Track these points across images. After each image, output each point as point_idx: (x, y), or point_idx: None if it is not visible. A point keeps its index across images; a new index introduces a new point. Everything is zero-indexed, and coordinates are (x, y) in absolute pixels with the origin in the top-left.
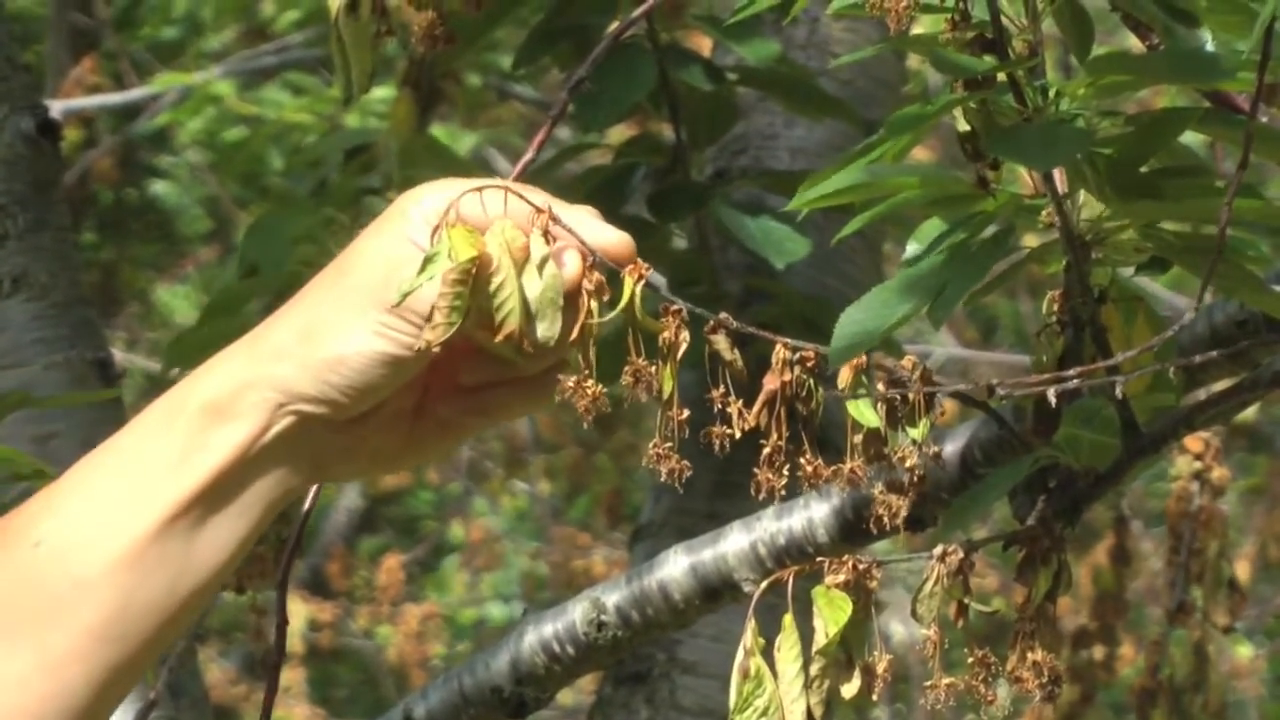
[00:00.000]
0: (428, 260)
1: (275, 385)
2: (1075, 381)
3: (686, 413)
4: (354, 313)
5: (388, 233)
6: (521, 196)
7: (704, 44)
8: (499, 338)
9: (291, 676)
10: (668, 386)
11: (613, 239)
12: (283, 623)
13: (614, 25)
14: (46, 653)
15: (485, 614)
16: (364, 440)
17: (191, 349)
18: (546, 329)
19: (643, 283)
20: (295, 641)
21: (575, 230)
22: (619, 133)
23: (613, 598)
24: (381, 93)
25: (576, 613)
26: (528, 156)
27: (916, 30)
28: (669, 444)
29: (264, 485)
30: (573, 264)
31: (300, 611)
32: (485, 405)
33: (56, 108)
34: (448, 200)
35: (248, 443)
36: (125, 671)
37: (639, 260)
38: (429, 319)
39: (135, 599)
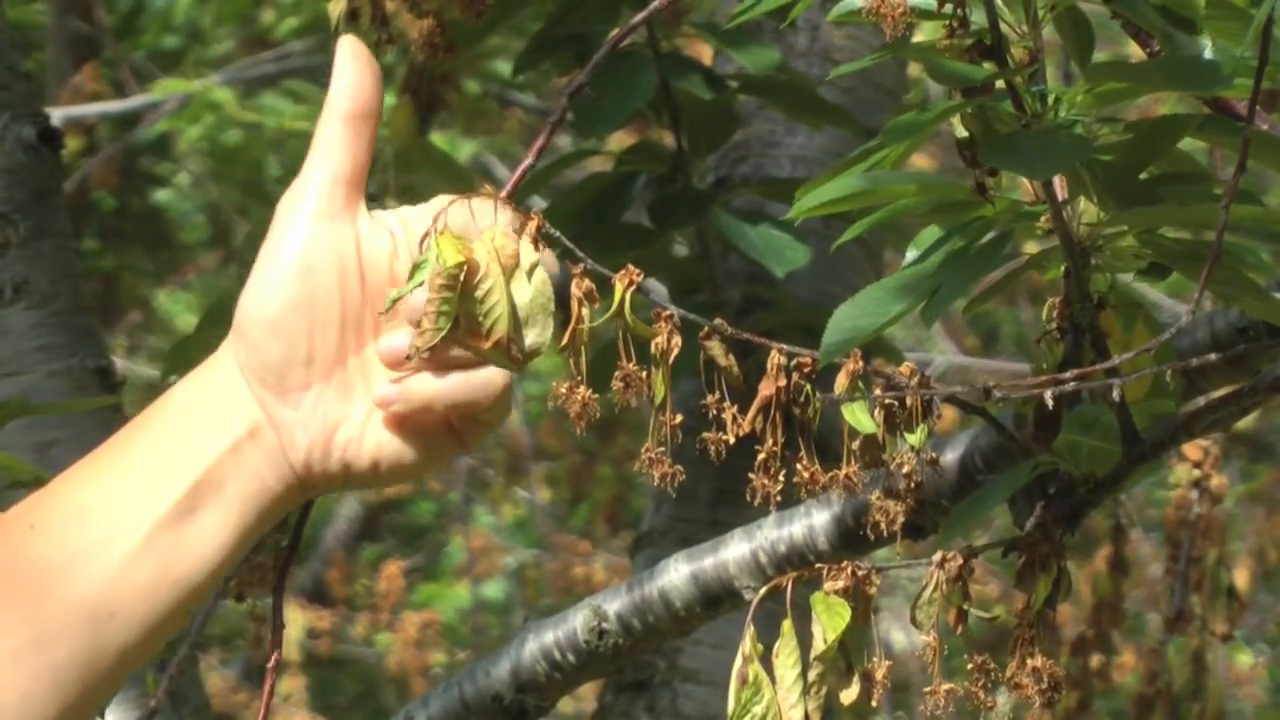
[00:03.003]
0: (416, 267)
1: (231, 361)
2: (1072, 384)
3: (680, 418)
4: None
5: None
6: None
7: (704, 52)
8: (488, 344)
9: (292, 684)
10: (660, 392)
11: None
12: (278, 626)
13: (614, 32)
14: (38, 626)
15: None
16: (323, 420)
17: (190, 356)
18: (537, 335)
19: (636, 290)
20: (295, 649)
21: None
22: (619, 140)
23: (614, 605)
24: None
25: (577, 620)
26: (526, 163)
27: (918, 38)
28: (662, 449)
29: (245, 478)
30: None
31: (299, 619)
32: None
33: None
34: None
35: (220, 430)
36: (115, 657)
37: (630, 267)
38: (418, 325)
39: (124, 579)
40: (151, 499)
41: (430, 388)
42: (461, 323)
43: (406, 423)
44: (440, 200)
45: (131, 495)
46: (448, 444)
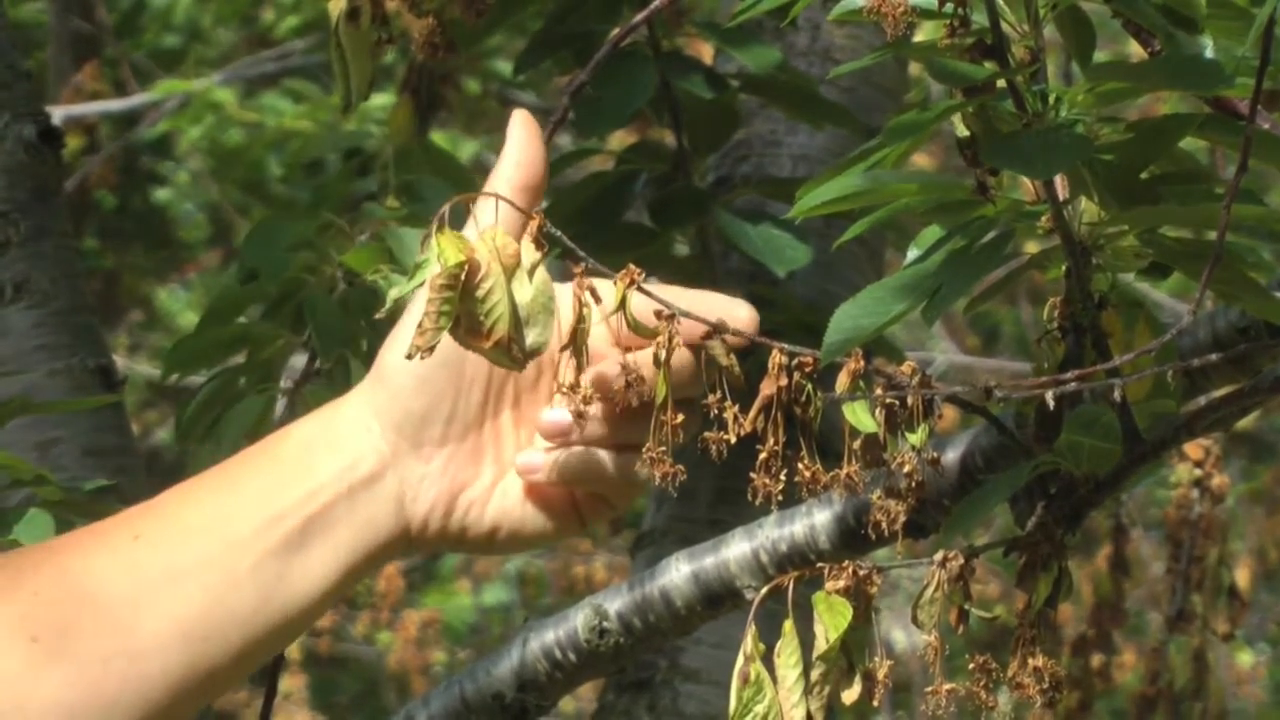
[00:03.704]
0: (417, 267)
1: (366, 405)
2: (1073, 385)
3: (681, 418)
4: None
5: None
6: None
7: (705, 51)
8: (488, 344)
9: (293, 683)
10: (660, 392)
11: (743, 314)
12: None
13: (615, 31)
14: (132, 638)
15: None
16: (452, 479)
17: (191, 355)
18: (538, 335)
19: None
20: (295, 648)
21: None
22: (620, 139)
23: (614, 604)
24: (381, 99)
25: (578, 620)
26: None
27: (918, 37)
28: (663, 448)
29: (358, 520)
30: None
31: None
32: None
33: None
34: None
35: (343, 469)
36: (203, 680)
37: (631, 267)
38: (418, 325)
39: (223, 603)
40: (262, 528)
41: (578, 464)
42: (463, 322)
43: (535, 494)
44: (687, 295)
45: (241, 521)
46: (570, 520)
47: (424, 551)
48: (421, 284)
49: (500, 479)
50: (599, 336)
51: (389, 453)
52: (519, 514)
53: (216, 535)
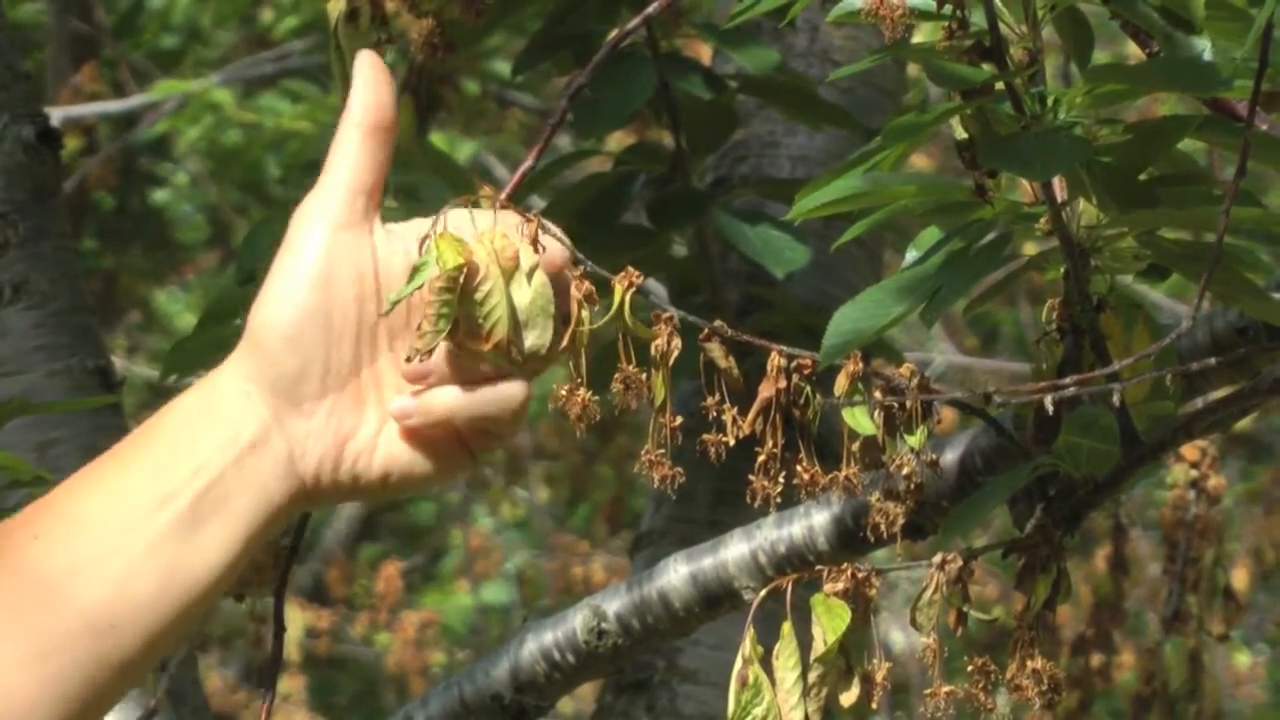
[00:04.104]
0: (416, 269)
1: (241, 371)
2: (1072, 389)
3: (680, 419)
4: (281, 263)
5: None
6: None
7: (704, 52)
8: (487, 346)
9: (292, 684)
10: (660, 394)
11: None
12: (280, 629)
13: (614, 33)
14: (41, 638)
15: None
16: (335, 430)
17: (190, 356)
18: (537, 338)
19: (635, 291)
20: (294, 649)
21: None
22: (618, 140)
23: (613, 606)
24: None
25: (577, 621)
26: (527, 164)
27: (917, 38)
28: (662, 451)
29: (251, 488)
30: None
31: (299, 619)
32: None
33: (56, 115)
34: None
35: (227, 440)
36: (117, 669)
37: (630, 269)
38: (418, 328)
39: (126, 590)
40: (154, 510)
41: (448, 401)
42: (461, 325)
43: (418, 435)
44: (455, 211)
45: (134, 506)
46: (458, 457)
47: (321, 506)
48: (419, 286)
49: (385, 424)
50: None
51: (270, 416)
52: (407, 457)
53: (112, 523)
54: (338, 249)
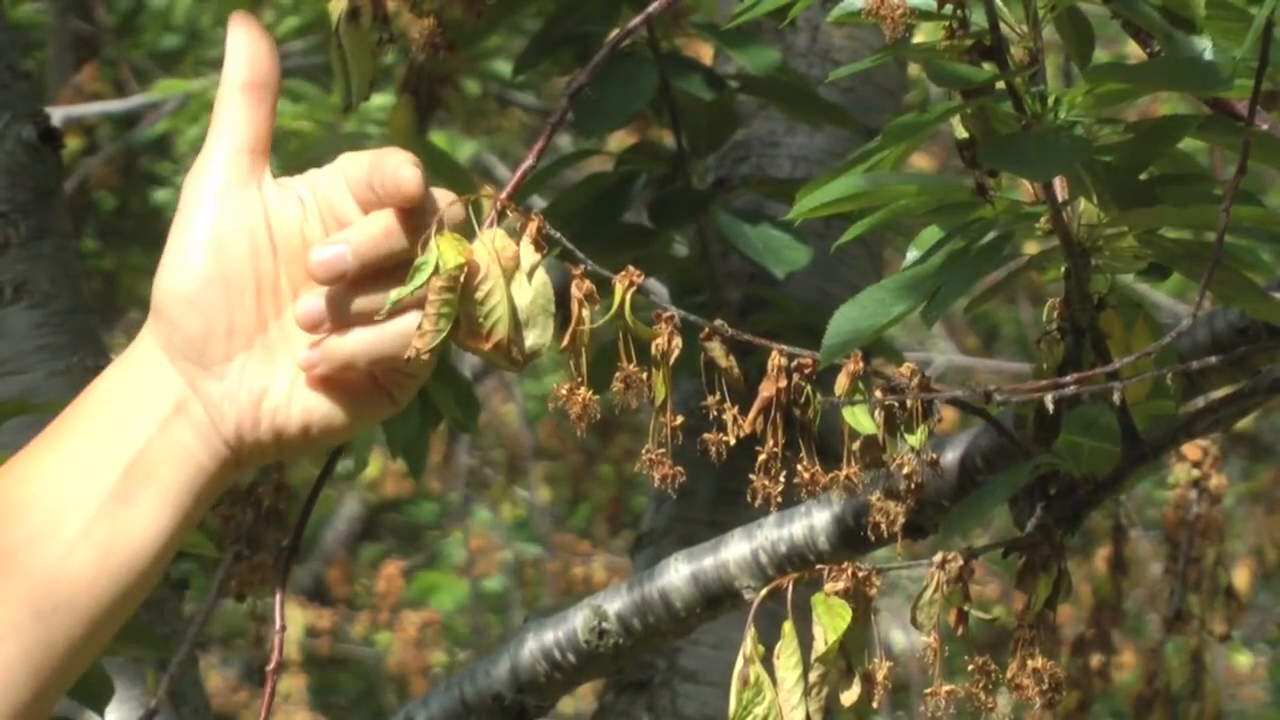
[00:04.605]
0: (416, 268)
1: (153, 341)
2: (1072, 388)
3: (680, 419)
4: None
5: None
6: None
7: (705, 52)
8: (488, 346)
9: (292, 684)
10: (661, 393)
11: (407, 174)
12: (280, 629)
13: (615, 32)
14: None
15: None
16: (249, 389)
17: None
18: (537, 337)
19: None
20: (295, 648)
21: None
22: (619, 140)
23: (614, 605)
24: (381, 100)
25: (578, 620)
26: (527, 164)
27: (918, 38)
28: (663, 450)
29: (178, 457)
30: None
31: (299, 618)
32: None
33: (57, 115)
34: None
35: (149, 411)
36: (64, 653)
37: (630, 268)
38: (419, 327)
39: (65, 571)
40: (86, 489)
41: (349, 344)
42: (462, 324)
43: (332, 384)
44: (346, 158)
45: (65, 487)
46: (377, 401)
47: (252, 467)
48: (420, 286)
49: (298, 377)
50: (306, 228)
51: (183, 382)
52: (324, 408)
53: (44, 506)
54: (226, 209)
